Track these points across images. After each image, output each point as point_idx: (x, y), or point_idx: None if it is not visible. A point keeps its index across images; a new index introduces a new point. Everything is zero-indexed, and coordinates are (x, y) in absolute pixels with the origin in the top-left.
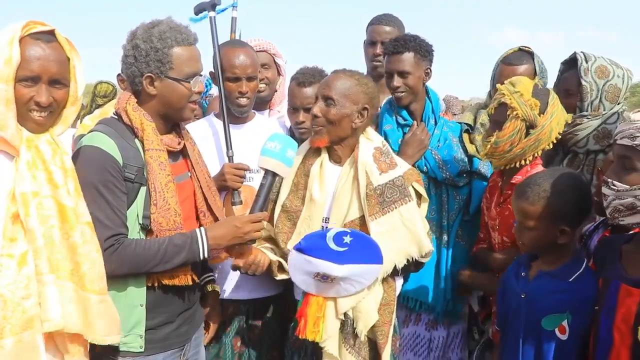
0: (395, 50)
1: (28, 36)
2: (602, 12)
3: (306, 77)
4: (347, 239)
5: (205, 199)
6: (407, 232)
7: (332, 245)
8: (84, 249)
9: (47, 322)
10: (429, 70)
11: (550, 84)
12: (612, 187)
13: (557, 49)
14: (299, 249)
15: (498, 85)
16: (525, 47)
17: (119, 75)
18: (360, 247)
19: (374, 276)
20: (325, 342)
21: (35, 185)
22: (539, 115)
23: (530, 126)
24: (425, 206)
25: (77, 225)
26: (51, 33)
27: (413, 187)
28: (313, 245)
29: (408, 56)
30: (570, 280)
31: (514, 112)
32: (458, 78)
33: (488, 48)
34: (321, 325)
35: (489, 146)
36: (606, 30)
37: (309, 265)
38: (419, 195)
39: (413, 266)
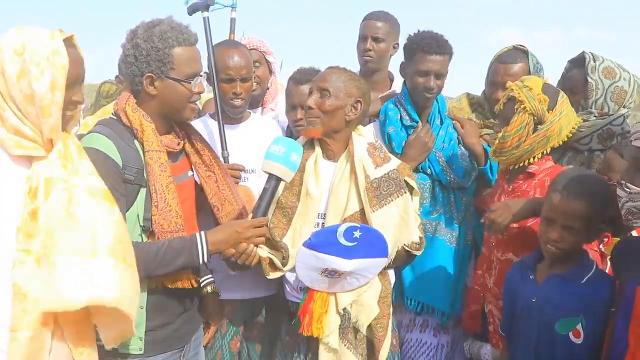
0: (439, 51)
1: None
2: (599, 12)
3: (303, 75)
4: (357, 234)
5: (228, 189)
6: (400, 222)
7: (343, 241)
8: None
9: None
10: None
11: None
12: (626, 189)
13: (554, 48)
14: (309, 245)
15: (508, 83)
16: (520, 45)
17: (117, 77)
18: (368, 241)
19: (379, 269)
20: (328, 338)
21: (65, 173)
22: (548, 111)
23: (538, 122)
24: (416, 200)
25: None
26: (71, 39)
27: (406, 181)
28: (323, 242)
29: (446, 59)
30: (583, 282)
31: (522, 106)
32: (454, 78)
33: (484, 48)
34: (324, 321)
35: (497, 142)
36: (603, 30)
37: (318, 261)
38: (410, 189)
39: (405, 258)
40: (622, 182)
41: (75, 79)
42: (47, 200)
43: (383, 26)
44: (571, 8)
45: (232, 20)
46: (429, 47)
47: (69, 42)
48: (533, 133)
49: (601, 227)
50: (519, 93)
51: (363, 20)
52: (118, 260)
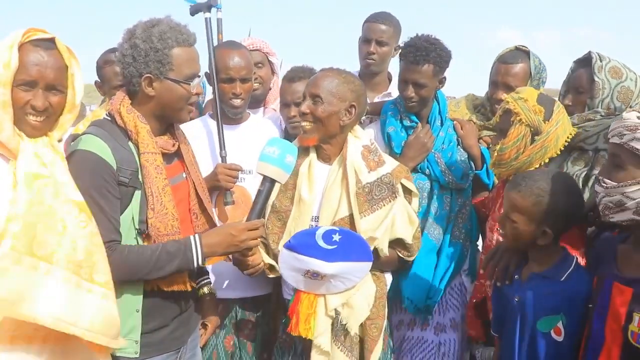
0: (414, 61)
1: (28, 42)
2: (597, 12)
3: (295, 73)
4: (336, 237)
5: (199, 200)
6: (389, 225)
7: (322, 244)
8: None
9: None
10: (443, 79)
11: (549, 83)
12: (602, 184)
13: (552, 48)
14: (289, 247)
15: (504, 95)
16: (522, 46)
17: (96, 82)
18: (349, 245)
19: (364, 273)
20: (318, 339)
21: (46, 171)
22: (544, 122)
23: (535, 132)
24: (416, 201)
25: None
26: (51, 41)
27: (402, 183)
28: (303, 243)
29: (426, 68)
30: (562, 280)
31: (518, 118)
32: (452, 78)
33: (483, 48)
34: (312, 322)
35: (495, 154)
36: (601, 30)
37: (299, 262)
38: (408, 191)
39: (400, 263)
40: (600, 177)
41: (32, 81)
42: (29, 190)
43: (387, 30)
44: (570, 8)
45: (219, 21)
46: (406, 56)
47: (43, 43)
48: (531, 144)
49: (543, 229)
50: (514, 105)
51: (366, 22)
52: (83, 280)
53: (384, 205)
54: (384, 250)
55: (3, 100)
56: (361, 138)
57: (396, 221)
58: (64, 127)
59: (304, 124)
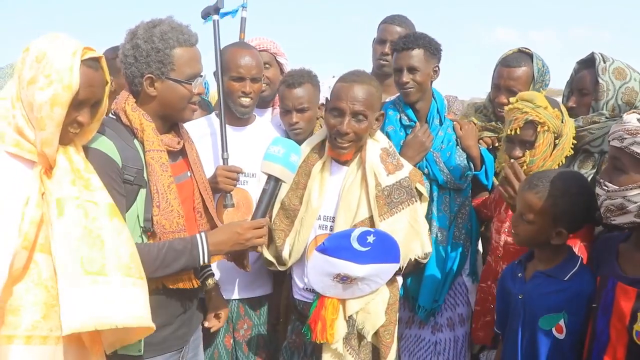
0: (405, 47)
1: (82, 63)
2: (595, 11)
3: (295, 78)
4: (371, 239)
5: (202, 199)
6: (412, 232)
7: (356, 246)
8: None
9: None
10: (437, 69)
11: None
12: (604, 187)
13: (550, 47)
14: (322, 250)
15: (513, 105)
16: (525, 48)
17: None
18: (382, 246)
19: (390, 275)
20: (336, 344)
21: (75, 191)
22: (562, 125)
23: (557, 137)
24: (425, 205)
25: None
26: (98, 60)
27: (416, 187)
28: (336, 246)
29: (417, 52)
30: (566, 278)
31: (545, 127)
32: (450, 76)
33: (480, 48)
34: (335, 327)
35: (524, 167)
36: (599, 30)
37: (331, 266)
38: (419, 195)
39: (413, 266)
40: (601, 180)
41: (84, 100)
42: (61, 218)
43: (402, 31)
44: (568, 8)
45: (243, 20)
46: (396, 45)
47: (93, 63)
48: (554, 149)
49: (559, 230)
50: (538, 115)
51: (382, 24)
52: (135, 278)
53: (403, 208)
54: (416, 252)
55: (59, 120)
56: (379, 141)
57: (417, 226)
58: (91, 132)
59: (341, 141)
